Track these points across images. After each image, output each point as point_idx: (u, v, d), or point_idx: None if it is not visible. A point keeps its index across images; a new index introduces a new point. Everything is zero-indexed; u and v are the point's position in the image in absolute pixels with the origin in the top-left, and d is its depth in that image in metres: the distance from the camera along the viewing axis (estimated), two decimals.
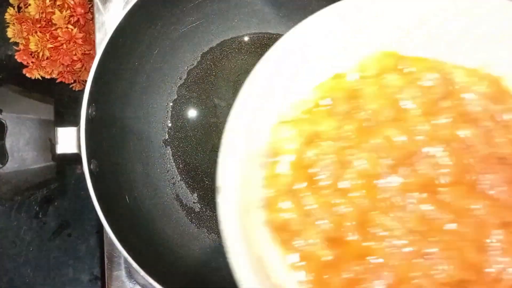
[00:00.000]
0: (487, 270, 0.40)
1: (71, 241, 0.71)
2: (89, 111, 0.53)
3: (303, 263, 0.42)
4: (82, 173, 0.52)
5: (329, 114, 0.44)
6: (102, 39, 0.55)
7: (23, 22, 0.68)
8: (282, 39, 0.42)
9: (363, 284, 0.41)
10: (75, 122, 0.53)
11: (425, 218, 0.42)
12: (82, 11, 0.68)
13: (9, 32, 0.68)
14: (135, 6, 0.55)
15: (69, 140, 0.54)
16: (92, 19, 0.67)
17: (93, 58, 0.54)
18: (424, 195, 0.42)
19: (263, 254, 0.42)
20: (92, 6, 0.67)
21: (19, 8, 0.68)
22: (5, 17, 0.68)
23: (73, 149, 0.54)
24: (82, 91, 0.53)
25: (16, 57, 0.68)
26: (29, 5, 0.67)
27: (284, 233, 0.43)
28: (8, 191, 0.52)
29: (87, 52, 0.69)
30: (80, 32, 0.68)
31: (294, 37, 0.42)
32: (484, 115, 0.42)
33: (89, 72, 0.53)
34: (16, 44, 0.69)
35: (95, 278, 0.70)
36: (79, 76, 0.71)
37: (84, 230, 0.72)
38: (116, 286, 0.59)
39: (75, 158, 0.53)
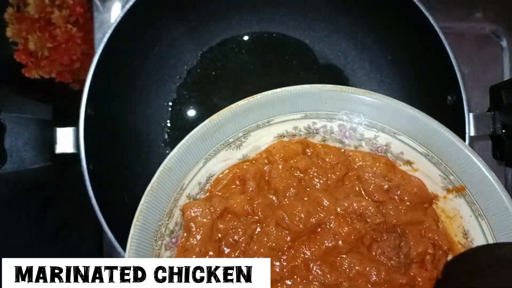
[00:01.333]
0: None
1: (71, 242, 0.71)
2: (88, 111, 0.53)
3: None
4: (81, 173, 0.52)
5: (241, 192, 0.47)
6: (101, 38, 0.54)
7: (22, 21, 0.67)
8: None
9: None
10: (74, 122, 0.53)
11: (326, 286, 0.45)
12: (81, 10, 0.67)
13: (8, 32, 0.68)
14: (134, 5, 0.55)
15: (68, 140, 0.54)
16: (91, 18, 0.67)
17: (92, 57, 0.54)
18: (325, 265, 0.45)
19: None
20: (91, 5, 0.66)
21: (18, 7, 0.68)
22: (4, 16, 0.68)
23: (71, 149, 0.54)
24: (81, 91, 0.53)
25: (15, 56, 0.68)
26: (28, 4, 0.66)
27: None
28: (7, 191, 0.52)
29: (86, 51, 0.69)
30: (79, 32, 0.68)
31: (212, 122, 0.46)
32: (377, 189, 0.47)
33: (88, 71, 0.53)
34: (15, 43, 0.68)
35: None
36: (78, 76, 0.71)
37: (83, 230, 0.72)
38: None
39: (74, 158, 0.53)
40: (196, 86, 0.66)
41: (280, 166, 0.47)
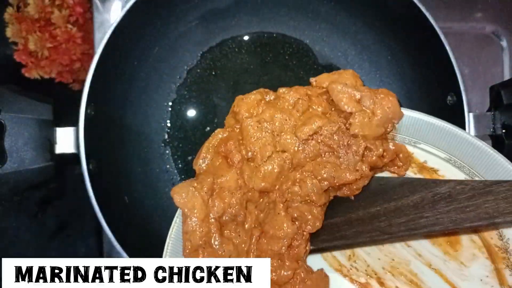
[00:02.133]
0: None
1: (70, 242, 0.71)
2: (88, 111, 0.53)
3: None
4: (81, 173, 0.52)
5: (229, 166, 0.46)
6: (101, 38, 0.54)
7: (22, 21, 0.67)
8: None
9: None
10: (74, 122, 0.53)
11: None
12: (81, 10, 0.67)
13: (8, 32, 0.68)
14: (134, 5, 0.55)
15: (67, 140, 0.54)
16: (91, 18, 0.67)
17: (92, 57, 0.54)
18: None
19: None
20: (91, 5, 0.67)
21: (18, 7, 0.68)
22: (4, 16, 0.68)
23: (71, 149, 0.54)
24: (81, 91, 0.53)
25: (15, 56, 0.68)
26: (29, 4, 0.66)
27: None
28: (7, 191, 0.52)
29: (86, 51, 0.69)
30: (79, 32, 0.68)
31: None
32: (349, 100, 0.45)
33: (88, 71, 0.53)
34: (15, 43, 0.68)
35: None
36: (78, 76, 0.71)
37: (83, 230, 0.72)
38: None
39: (74, 158, 0.53)
40: (196, 86, 0.66)
41: (249, 126, 0.46)
